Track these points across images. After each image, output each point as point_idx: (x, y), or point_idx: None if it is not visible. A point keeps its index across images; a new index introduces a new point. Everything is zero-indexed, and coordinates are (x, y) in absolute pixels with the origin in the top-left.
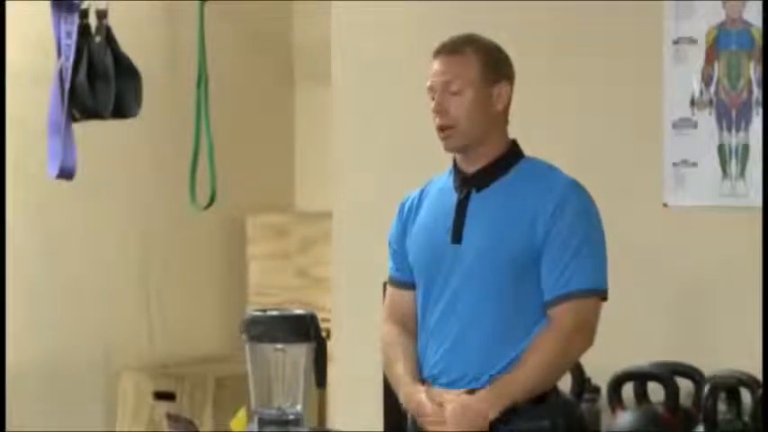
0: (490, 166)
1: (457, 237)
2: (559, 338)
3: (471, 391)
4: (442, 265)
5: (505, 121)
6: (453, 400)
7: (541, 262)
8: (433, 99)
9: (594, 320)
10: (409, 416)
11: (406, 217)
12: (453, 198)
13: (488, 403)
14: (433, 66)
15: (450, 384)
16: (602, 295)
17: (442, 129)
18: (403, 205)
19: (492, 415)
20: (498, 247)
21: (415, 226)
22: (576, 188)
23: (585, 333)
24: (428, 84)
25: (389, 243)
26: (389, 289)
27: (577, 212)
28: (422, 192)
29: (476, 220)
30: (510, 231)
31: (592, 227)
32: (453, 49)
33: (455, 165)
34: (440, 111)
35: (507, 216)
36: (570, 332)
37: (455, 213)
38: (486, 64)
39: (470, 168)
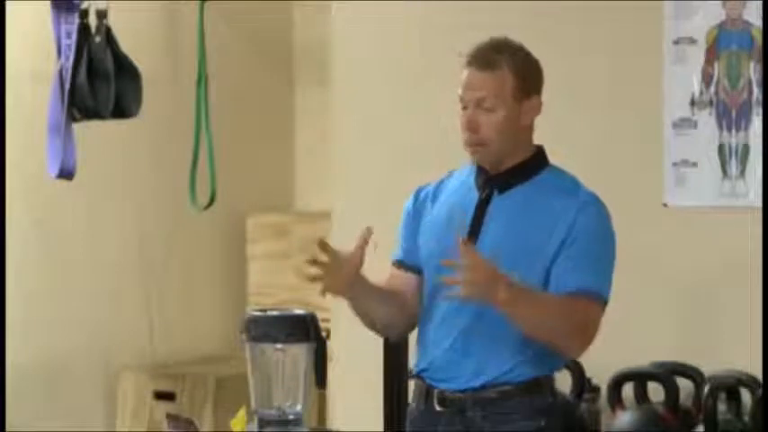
0: (515, 169)
1: (474, 236)
2: (578, 318)
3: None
4: (455, 260)
5: (532, 130)
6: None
7: (553, 264)
8: (464, 108)
9: (597, 326)
10: (410, 408)
11: (421, 205)
12: (473, 196)
13: (509, 283)
14: (466, 76)
15: (450, 380)
16: (604, 305)
17: (471, 144)
18: (418, 193)
19: (504, 293)
20: (513, 249)
21: (431, 217)
22: (597, 202)
23: (590, 332)
24: (459, 93)
25: (399, 227)
26: (390, 269)
27: (596, 225)
28: (439, 183)
29: (494, 222)
30: (527, 236)
31: (607, 242)
32: (488, 62)
33: (479, 164)
34: (471, 128)
35: (526, 221)
36: (585, 324)
37: (475, 212)
38: (519, 80)
39: (494, 170)
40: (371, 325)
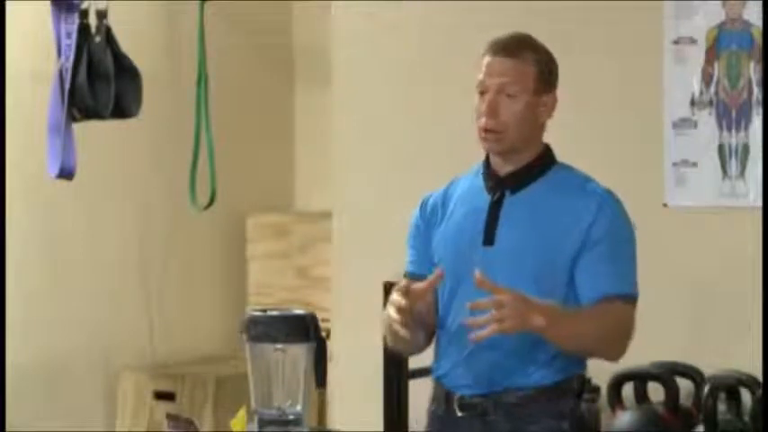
0: (525, 168)
1: (489, 239)
2: (615, 323)
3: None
4: (471, 266)
5: (544, 128)
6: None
7: (577, 268)
8: (482, 94)
9: (633, 326)
10: (429, 410)
11: (430, 215)
12: (485, 199)
13: (542, 307)
14: (488, 63)
15: (469, 388)
16: (635, 303)
17: (486, 130)
18: (425, 203)
19: (540, 319)
20: (531, 250)
21: (443, 226)
22: (612, 198)
23: (628, 334)
24: (480, 78)
25: (407, 239)
26: (404, 281)
27: (616, 223)
28: (446, 191)
29: (509, 223)
30: (544, 236)
31: (629, 238)
32: (513, 51)
33: (487, 165)
34: (491, 113)
35: (542, 220)
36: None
37: (488, 215)
38: (541, 73)
39: (504, 170)
40: (404, 349)
